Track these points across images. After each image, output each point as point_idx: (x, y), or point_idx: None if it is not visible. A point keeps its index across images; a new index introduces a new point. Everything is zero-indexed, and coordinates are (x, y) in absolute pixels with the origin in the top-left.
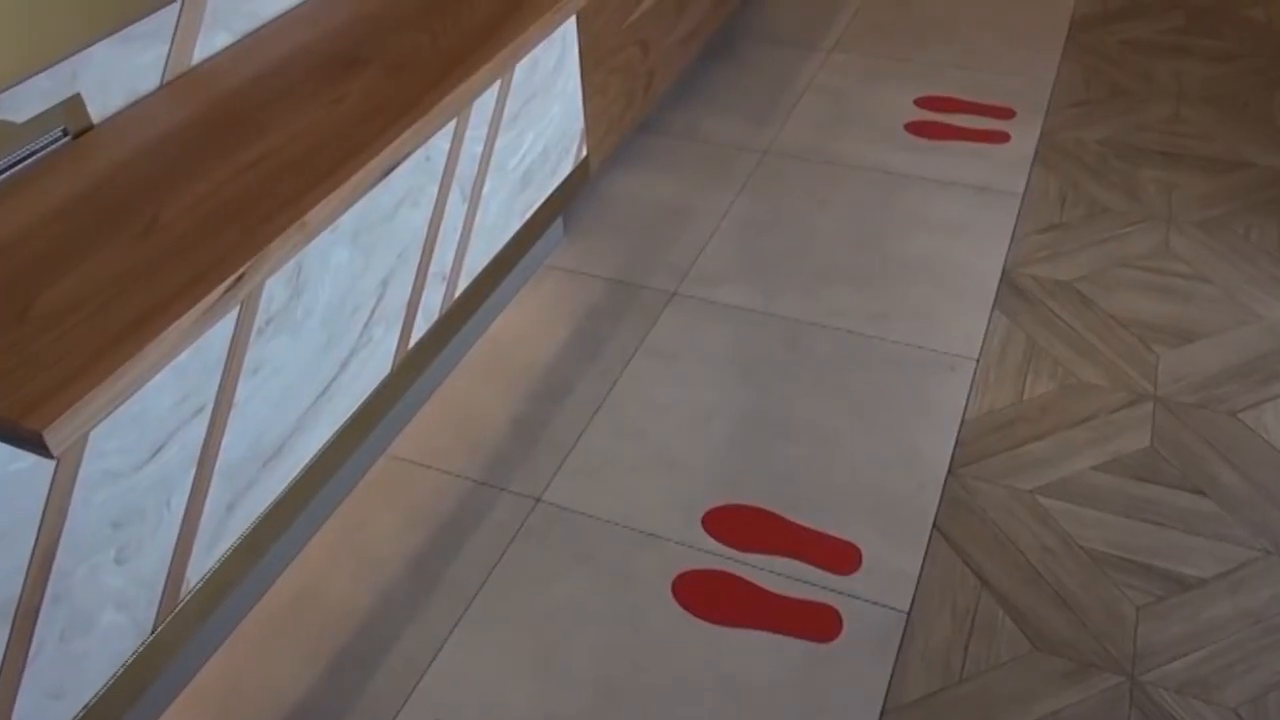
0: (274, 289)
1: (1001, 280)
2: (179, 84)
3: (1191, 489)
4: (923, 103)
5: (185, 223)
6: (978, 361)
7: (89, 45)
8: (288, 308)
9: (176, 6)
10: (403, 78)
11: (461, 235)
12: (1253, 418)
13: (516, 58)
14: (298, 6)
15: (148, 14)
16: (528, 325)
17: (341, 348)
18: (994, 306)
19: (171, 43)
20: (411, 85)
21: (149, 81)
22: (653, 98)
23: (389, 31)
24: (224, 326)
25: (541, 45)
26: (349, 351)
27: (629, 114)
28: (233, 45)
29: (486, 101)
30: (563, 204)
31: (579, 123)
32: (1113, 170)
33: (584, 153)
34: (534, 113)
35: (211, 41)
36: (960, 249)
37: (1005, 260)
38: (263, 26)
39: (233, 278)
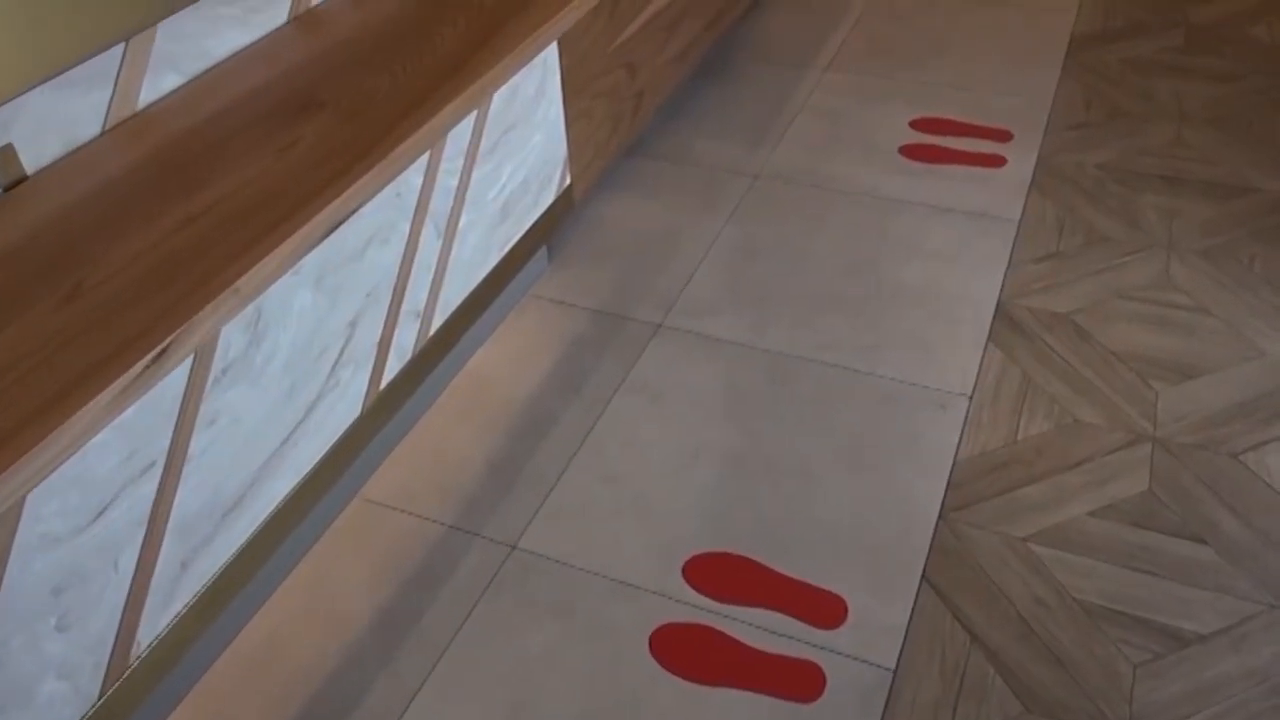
0: (231, 336)
1: (996, 312)
2: (122, 129)
3: (1191, 536)
4: (918, 124)
5: (113, 286)
6: (971, 399)
7: (22, 93)
8: (246, 355)
9: (120, 48)
10: (358, 123)
11: (436, 272)
12: (1255, 460)
13: (477, 102)
14: (253, 44)
15: (88, 57)
16: (508, 359)
17: (307, 392)
18: (988, 340)
19: (115, 86)
20: (366, 131)
21: (89, 128)
22: (641, 120)
23: (348, 71)
24: (176, 378)
25: (521, 72)
26: (315, 396)
27: (615, 138)
28: (183, 86)
29: (462, 133)
30: (545, 234)
31: (562, 150)
32: (1112, 196)
33: (567, 180)
34: (513, 143)
35: (159, 83)
36: (954, 278)
37: (1000, 291)
38: (215, 66)
39: (155, 351)
